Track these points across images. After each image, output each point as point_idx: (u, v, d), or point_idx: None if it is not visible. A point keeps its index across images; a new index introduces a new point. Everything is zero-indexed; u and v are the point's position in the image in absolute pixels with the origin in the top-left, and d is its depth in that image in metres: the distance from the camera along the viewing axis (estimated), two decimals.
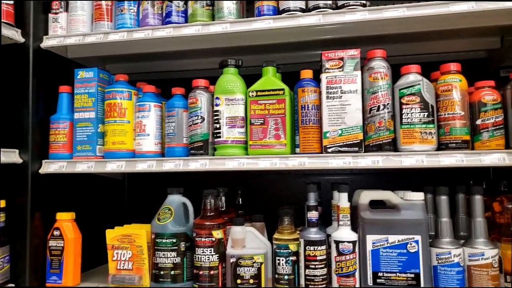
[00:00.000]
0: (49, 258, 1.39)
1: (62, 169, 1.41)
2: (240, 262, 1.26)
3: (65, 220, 1.41)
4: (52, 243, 1.39)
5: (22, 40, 1.41)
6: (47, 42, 1.46)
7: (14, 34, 1.39)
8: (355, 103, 1.24)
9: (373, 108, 1.23)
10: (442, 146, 1.22)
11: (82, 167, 1.40)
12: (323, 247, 1.22)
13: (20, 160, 1.38)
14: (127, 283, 1.35)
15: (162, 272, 1.30)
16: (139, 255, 1.36)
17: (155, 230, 1.33)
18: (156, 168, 1.35)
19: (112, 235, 1.38)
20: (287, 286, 1.24)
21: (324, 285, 1.21)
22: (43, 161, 1.43)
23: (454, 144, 1.19)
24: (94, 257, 1.58)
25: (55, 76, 1.51)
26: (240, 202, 1.63)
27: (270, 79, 1.33)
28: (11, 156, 1.36)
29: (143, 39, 1.40)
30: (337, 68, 1.26)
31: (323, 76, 1.26)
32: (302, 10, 1.32)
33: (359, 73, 1.25)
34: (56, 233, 1.39)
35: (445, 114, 1.21)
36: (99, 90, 1.45)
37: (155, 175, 1.77)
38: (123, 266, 1.37)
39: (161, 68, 1.77)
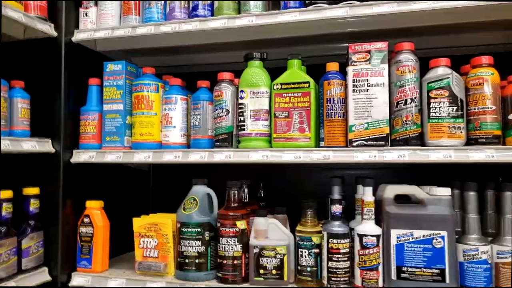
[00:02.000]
0: (80, 244, 1.45)
1: (92, 159, 1.46)
2: (263, 253, 1.27)
3: (95, 208, 1.46)
4: (82, 229, 1.45)
5: (55, 34, 1.46)
6: (78, 36, 1.50)
7: (47, 29, 1.44)
8: (382, 96, 1.22)
9: (400, 102, 1.22)
10: (471, 141, 1.19)
11: (111, 157, 1.44)
12: (346, 240, 1.22)
13: (52, 150, 1.43)
14: (153, 270, 1.39)
15: (187, 260, 1.34)
16: (165, 244, 1.39)
17: (180, 219, 1.37)
18: (182, 159, 1.38)
19: (139, 223, 1.43)
20: (309, 278, 1.25)
21: (346, 278, 1.22)
22: (74, 151, 1.48)
23: (484, 139, 1.17)
24: (120, 245, 1.63)
25: (85, 68, 1.56)
26: (262, 195, 1.64)
27: (295, 72, 1.33)
28: (45, 146, 1.41)
29: (170, 33, 1.42)
30: (364, 61, 1.24)
31: (350, 69, 1.25)
32: (329, 3, 1.31)
33: (386, 66, 1.23)
34: (86, 220, 1.45)
35: (475, 109, 1.19)
36: (127, 82, 1.49)
37: (179, 166, 1.82)
38: (149, 254, 1.41)
39: (186, 62, 1.79)
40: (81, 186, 1.51)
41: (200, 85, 1.46)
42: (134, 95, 1.47)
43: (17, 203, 1.33)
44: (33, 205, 1.37)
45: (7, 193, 1.29)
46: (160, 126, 1.46)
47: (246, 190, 1.54)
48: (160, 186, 1.95)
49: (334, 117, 1.28)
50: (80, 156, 1.47)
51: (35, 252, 1.37)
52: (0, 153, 1.21)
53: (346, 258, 1.22)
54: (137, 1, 1.50)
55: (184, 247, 1.34)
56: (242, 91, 1.35)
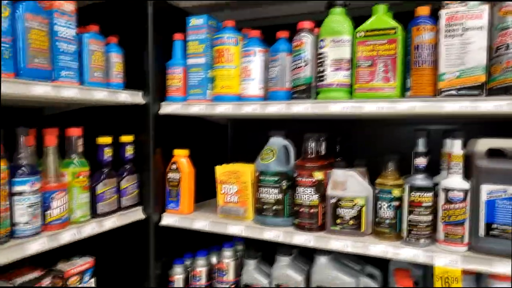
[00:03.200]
0: (168, 188, 1.58)
1: (177, 111, 1.55)
2: (341, 204, 1.28)
3: (181, 155, 1.57)
4: (170, 175, 1.58)
5: None
6: None
7: None
8: (479, 41, 1.11)
9: (500, 47, 1.10)
10: None
11: (194, 109, 1.53)
12: (430, 194, 1.18)
13: (143, 101, 1.55)
14: (233, 214, 1.48)
15: (265, 207, 1.40)
16: (244, 190, 1.47)
17: (259, 168, 1.42)
18: (259, 111, 1.41)
19: (221, 171, 1.51)
20: (388, 230, 1.24)
21: (427, 232, 1.18)
22: (161, 103, 1.59)
23: None
24: (202, 191, 1.75)
25: (170, 24, 1.63)
26: (340, 150, 1.62)
27: (381, 17, 1.25)
28: (136, 97, 1.54)
29: None
30: (460, 3, 1.13)
31: (443, 12, 1.15)
32: None
33: (486, 7, 1.11)
34: (173, 166, 1.57)
35: None
36: (208, 36, 1.54)
37: (255, 120, 1.86)
38: (229, 199, 1.50)
39: (265, 14, 1.78)
40: (168, 135, 1.63)
41: (279, 36, 1.45)
42: (215, 49, 1.51)
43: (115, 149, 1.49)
44: (128, 151, 1.53)
45: (107, 140, 1.44)
46: (239, 79, 1.50)
47: (323, 143, 1.53)
48: (237, 139, 2.03)
49: (423, 65, 1.20)
50: (167, 108, 1.58)
51: (131, 193, 1.54)
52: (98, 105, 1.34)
53: (428, 212, 1.18)
54: None
55: (262, 194, 1.40)
56: (322, 40, 1.32)
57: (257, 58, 1.47)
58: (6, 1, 1.10)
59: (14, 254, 1.12)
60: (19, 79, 1.13)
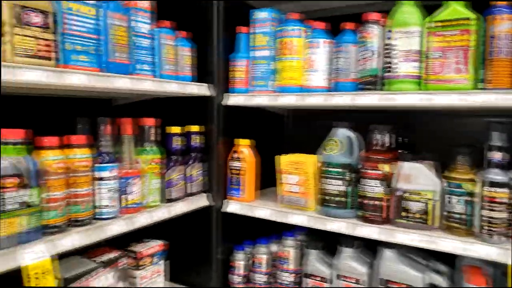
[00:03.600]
0: (230, 176, 1.64)
1: (241, 102, 1.60)
2: (407, 197, 1.27)
3: (244, 145, 1.62)
4: (232, 163, 1.63)
5: None
6: None
7: None
8: None
9: None
10: None
11: (258, 100, 1.57)
12: (505, 189, 1.14)
13: (208, 93, 1.62)
14: (294, 204, 1.52)
15: (327, 198, 1.42)
16: (306, 181, 1.49)
17: (322, 159, 1.44)
18: (324, 102, 1.42)
19: (284, 160, 1.55)
20: (457, 225, 1.21)
21: (502, 229, 1.15)
22: (225, 94, 1.64)
23: None
24: (262, 180, 1.80)
25: (233, 18, 1.67)
26: (407, 143, 1.59)
27: (454, 7, 1.21)
28: (203, 89, 1.60)
29: None
30: None
31: None
32: None
33: None
34: (235, 155, 1.63)
35: None
36: (272, 29, 1.56)
37: (317, 112, 1.87)
38: (291, 189, 1.53)
39: (329, 5, 1.77)
40: (232, 126, 1.68)
41: (344, 27, 1.45)
42: (279, 41, 1.54)
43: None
44: (195, 140, 1.60)
45: (176, 129, 1.52)
46: (303, 70, 1.52)
47: (389, 135, 1.51)
48: (296, 130, 2.05)
49: (499, 56, 1.15)
50: (231, 99, 1.63)
51: (196, 180, 1.61)
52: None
53: (503, 208, 1.14)
54: None
55: (325, 185, 1.42)
56: (390, 30, 1.30)
57: (321, 49, 1.48)
58: (92, 2, 1.19)
59: (96, 235, 1.22)
60: (103, 72, 1.22)
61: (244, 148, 1.62)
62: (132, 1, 1.33)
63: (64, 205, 1.15)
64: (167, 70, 1.47)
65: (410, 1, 1.28)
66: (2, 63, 0.97)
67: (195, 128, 1.59)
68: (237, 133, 1.69)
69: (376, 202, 1.33)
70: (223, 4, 1.62)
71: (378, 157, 1.33)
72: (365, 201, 1.35)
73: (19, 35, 1.02)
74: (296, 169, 1.51)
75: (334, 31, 1.53)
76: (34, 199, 1.05)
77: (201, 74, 1.62)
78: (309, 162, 1.48)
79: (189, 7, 1.68)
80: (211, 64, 1.62)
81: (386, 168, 1.32)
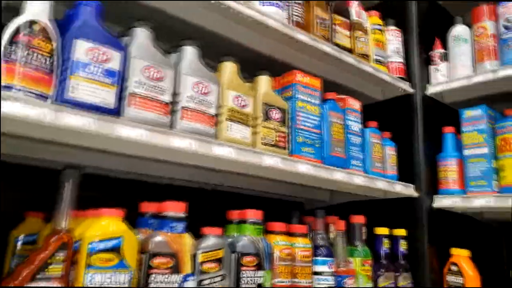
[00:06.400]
0: None
1: (457, 204, 1.43)
2: None
3: (462, 256, 1.38)
4: (449, 277, 1.38)
5: (411, 90, 1.63)
6: (431, 90, 1.62)
7: (406, 86, 1.62)
8: None
9: None
10: None
11: (479, 202, 1.38)
12: None
13: (415, 194, 1.50)
14: None
15: None
16: None
17: None
18: None
19: None
20: None
21: None
22: (434, 196, 1.50)
23: None
24: None
25: (436, 118, 1.63)
26: None
27: None
28: (409, 190, 1.50)
29: None
30: None
31: None
32: None
33: None
34: (453, 268, 1.38)
35: None
36: (489, 126, 1.45)
37: None
38: None
39: None
40: (443, 232, 1.49)
41: None
42: (500, 138, 1.40)
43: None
44: (402, 246, 1.44)
45: (385, 230, 1.41)
46: None
47: None
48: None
49: None
50: (442, 201, 1.47)
51: None
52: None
53: None
54: (493, 48, 1.50)
55: None
56: None
57: None
58: (318, 103, 1.31)
59: None
60: (324, 164, 1.26)
61: (464, 259, 1.38)
62: (348, 100, 1.43)
63: None
64: (376, 167, 1.44)
65: None
66: (252, 148, 1.09)
67: (401, 232, 1.45)
68: (448, 240, 1.47)
69: None
70: (426, 107, 1.61)
71: None
72: None
73: (265, 127, 1.16)
74: None
75: None
76: (266, 282, 1.03)
77: (405, 174, 1.55)
78: None
79: (394, 110, 1.69)
80: (417, 164, 1.54)
81: None
